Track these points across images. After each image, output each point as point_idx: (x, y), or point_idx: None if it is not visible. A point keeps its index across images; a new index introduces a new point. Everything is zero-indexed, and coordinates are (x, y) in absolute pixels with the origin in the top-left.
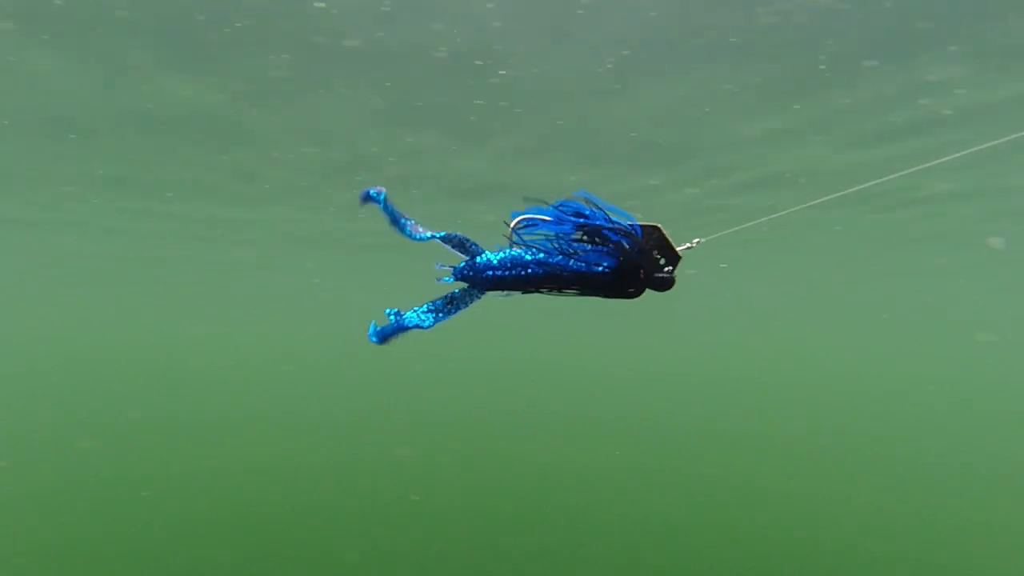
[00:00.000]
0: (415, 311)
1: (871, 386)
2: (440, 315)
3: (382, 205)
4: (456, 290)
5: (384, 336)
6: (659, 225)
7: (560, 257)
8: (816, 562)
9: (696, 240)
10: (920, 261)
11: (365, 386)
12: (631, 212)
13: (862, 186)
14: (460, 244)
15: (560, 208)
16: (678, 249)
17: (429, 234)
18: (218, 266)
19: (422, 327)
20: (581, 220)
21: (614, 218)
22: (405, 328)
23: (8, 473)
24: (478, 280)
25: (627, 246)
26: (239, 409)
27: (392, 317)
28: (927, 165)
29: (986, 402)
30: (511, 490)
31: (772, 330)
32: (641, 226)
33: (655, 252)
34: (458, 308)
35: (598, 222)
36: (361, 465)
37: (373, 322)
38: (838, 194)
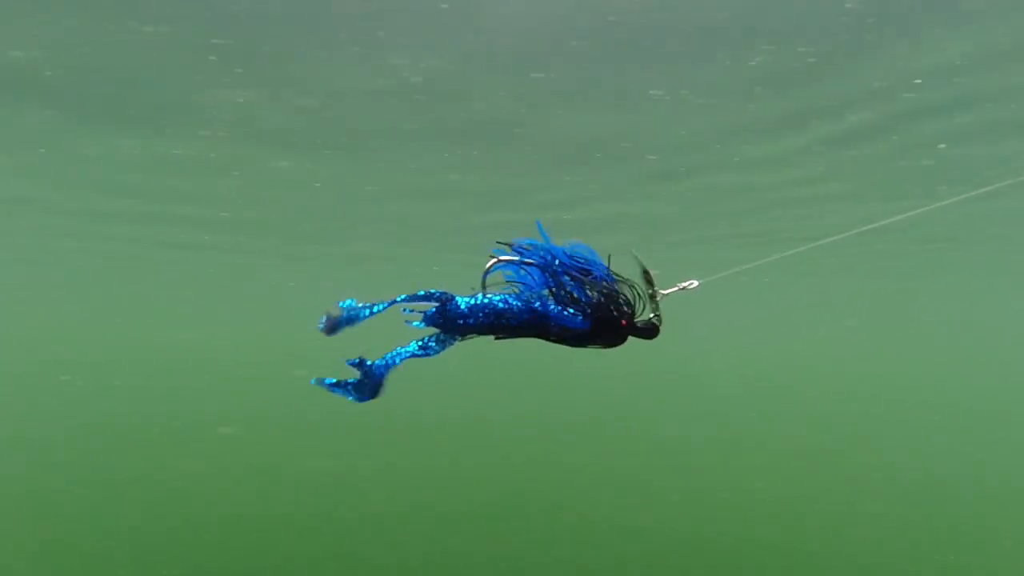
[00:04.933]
0: (386, 357)
1: (873, 393)
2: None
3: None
4: (426, 337)
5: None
6: (649, 270)
7: (537, 304)
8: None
9: (688, 282)
10: (931, 262)
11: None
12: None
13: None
14: (426, 297)
15: (536, 254)
16: (665, 292)
17: (386, 303)
18: (217, 264)
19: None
20: (559, 266)
21: (583, 261)
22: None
23: (4, 474)
24: (450, 326)
25: (604, 295)
26: (236, 410)
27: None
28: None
29: (992, 409)
30: (509, 493)
31: (768, 334)
32: (642, 266)
33: (651, 291)
34: (429, 353)
35: (566, 274)
36: (358, 468)
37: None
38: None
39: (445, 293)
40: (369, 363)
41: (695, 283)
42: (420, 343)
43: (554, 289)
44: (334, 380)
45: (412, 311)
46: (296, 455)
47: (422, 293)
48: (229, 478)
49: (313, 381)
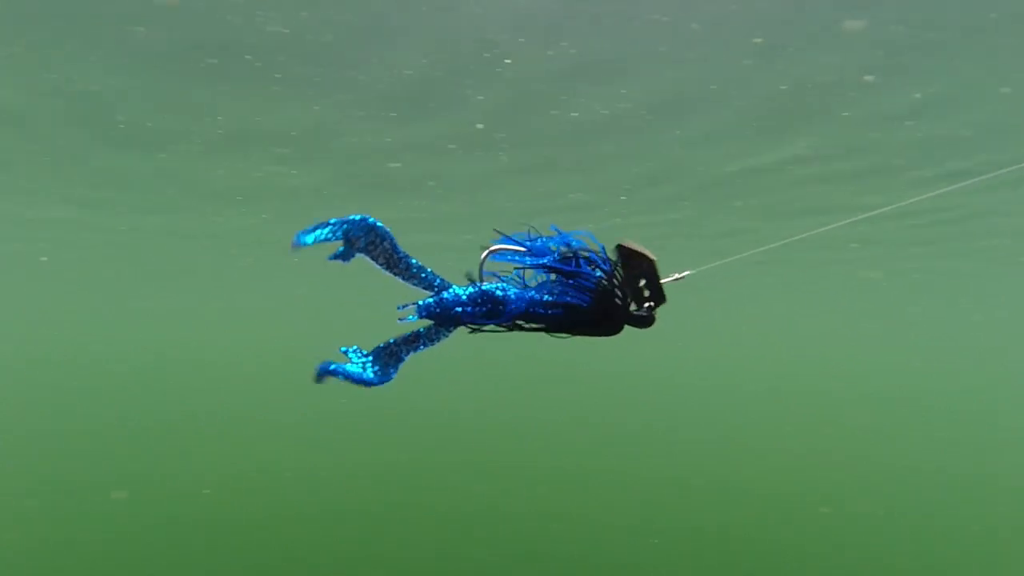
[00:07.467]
0: (360, 357)
1: (870, 390)
2: (398, 359)
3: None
4: (420, 328)
5: (329, 373)
6: (652, 257)
7: (534, 293)
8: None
9: (684, 272)
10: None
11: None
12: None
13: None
14: (426, 282)
15: (534, 242)
16: (663, 282)
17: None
18: (214, 264)
19: (367, 380)
20: (555, 255)
21: (587, 250)
22: (350, 376)
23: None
24: (445, 317)
25: (604, 284)
26: (234, 411)
27: (351, 355)
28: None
29: (986, 406)
30: (505, 495)
31: (762, 331)
32: (631, 250)
33: (641, 283)
34: (421, 347)
35: (572, 259)
36: (355, 470)
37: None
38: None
39: (441, 279)
40: (365, 352)
41: (687, 272)
42: (411, 335)
43: (562, 262)
44: (338, 366)
45: (405, 306)
46: (287, 457)
47: (417, 267)
48: (223, 480)
49: (326, 365)
